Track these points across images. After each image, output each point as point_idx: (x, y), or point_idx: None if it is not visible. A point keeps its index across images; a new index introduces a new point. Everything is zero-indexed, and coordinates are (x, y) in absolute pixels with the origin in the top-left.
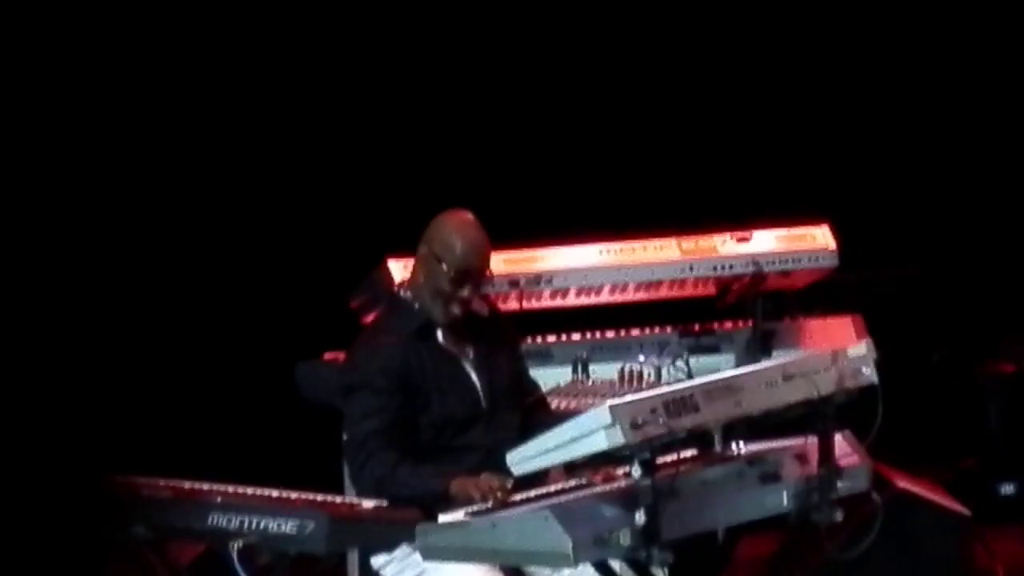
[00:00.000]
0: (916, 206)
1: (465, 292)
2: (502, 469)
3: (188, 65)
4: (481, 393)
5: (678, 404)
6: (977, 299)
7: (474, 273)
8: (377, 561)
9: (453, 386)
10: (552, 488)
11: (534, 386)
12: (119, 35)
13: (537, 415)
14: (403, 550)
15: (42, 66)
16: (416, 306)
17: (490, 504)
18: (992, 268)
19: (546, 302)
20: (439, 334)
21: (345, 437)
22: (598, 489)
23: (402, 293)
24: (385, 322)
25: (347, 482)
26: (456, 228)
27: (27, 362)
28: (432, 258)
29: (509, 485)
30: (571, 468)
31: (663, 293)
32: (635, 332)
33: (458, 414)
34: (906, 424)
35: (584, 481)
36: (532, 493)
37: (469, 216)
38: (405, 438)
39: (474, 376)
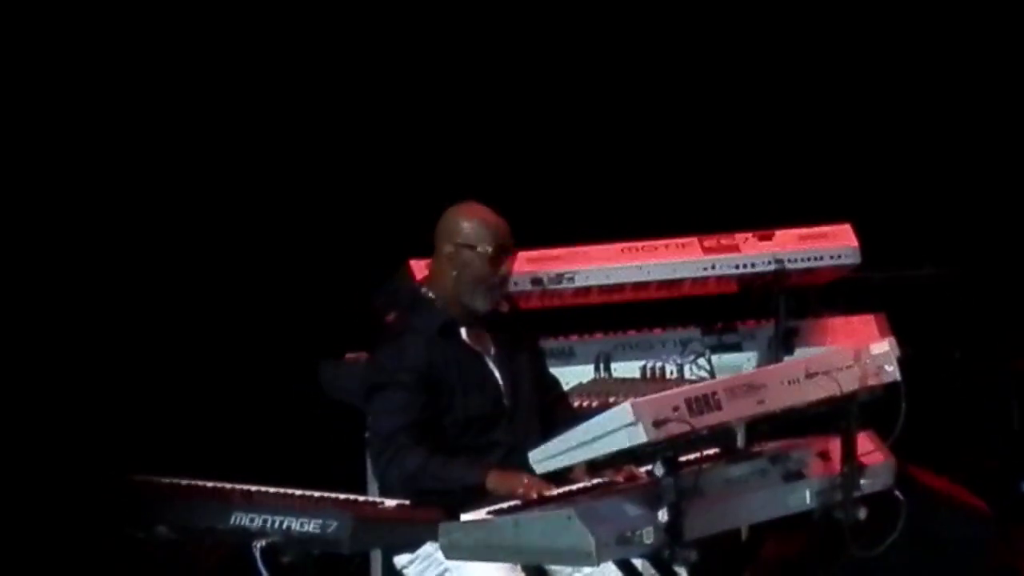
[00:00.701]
0: (939, 204)
1: (504, 270)
2: (524, 467)
3: (211, 66)
4: (504, 391)
5: (701, 402)
6: (999, 297)
7: (508, 248)
8: (400, 560)
9: (477, 384)
10: (575, 487)
11: (554, 383)
12: (147, 36)
13: (557, 412)
14: (426, 549)
15: (46, 66)
16: (438, 304)
17: (520, 502)
18: (1015, 266)
19: (568, 300)
20: (463, 332)
21: (369, 434)
22: (621, 488)
23: (424, 292)
24: (408, 321)
25: (370, 481)
26: (474, 213)
27: (51, 364)
28: (462, 250)
29: (551, 490)
30: (593, 467)
31: (685, 291)
32: (657, 330)
33: (482, 412)
34: (928, 422)
35: (607, 480)
36: (555, 492)
37: (478, 203)
38: (430, 436)
39: (497, 374)
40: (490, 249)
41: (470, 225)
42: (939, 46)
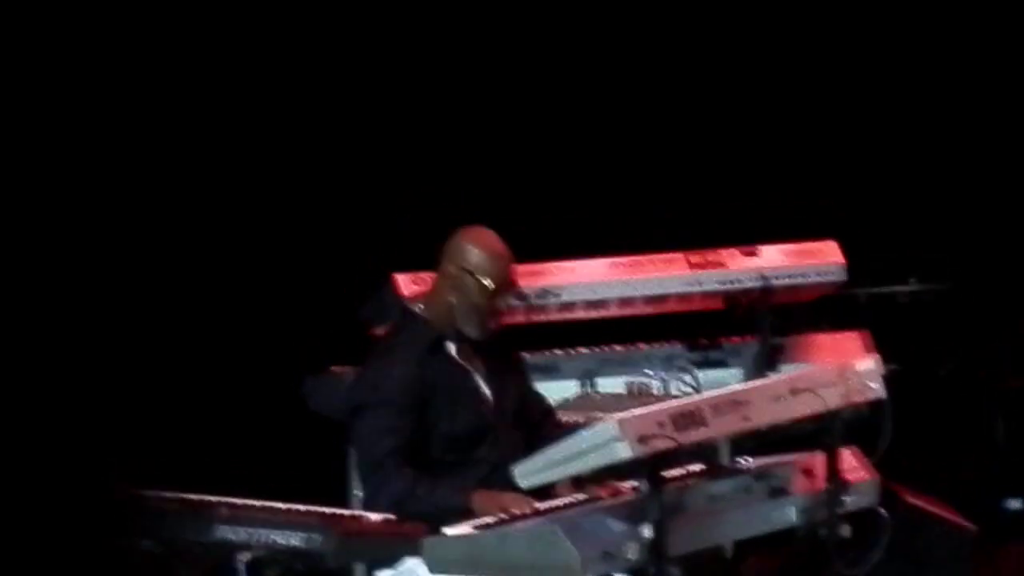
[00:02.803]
0: (925, 221)
1: (502, 305)
2: (508, 485)
3: (192, 78)
4: (491, 406)
5: (686, 418)
6: (984, 314)
7: (510, 284)
8: (381, 575)
9: (464, 401)
10: (560, 502)
11: (541, 399)
12: (119, 39)
13: (545, 428)
14: (408, 564)
15: (42, 66)
16: (430, 321)
17: (504, 517)
18: (999, 283)
19: (554, 316)
20: (452, 348)
21: (358, 456)
22: (606, 503)
23: (415, 308)
24: (397, 338)
25: (353, 496)
26: (487, 244)
27: (36, 376)
28: (466, 275)
29: (531, 508)
30: (578, 482)
31: (671, 307)
32: (643, 346)
33: (468, 429)
34: (913, 439)
35: (591, 495)
36: (540, 507)
37: (492, 232)
38: (417, 455)
39: (485, 390)
40: (493, 285)
41: (480, 254)
42: (924, 63)
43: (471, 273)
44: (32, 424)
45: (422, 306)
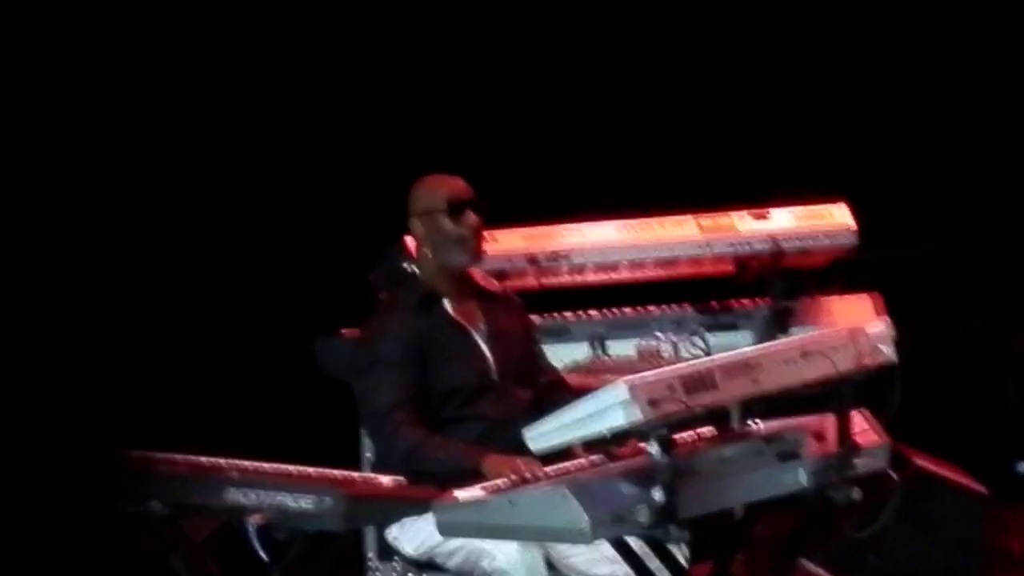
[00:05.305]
0: (935, 182)
1: (468, 220)
2: (510, 441)
3: (197, 39)
4: (492, 364)
5: (696, 381)
6: (995, 275)
7: (465, 199)
8: (390, 533)
9: (461, 356)
10: (570, 465)
11: (552, 368)
12: (120, 39)
13: (555, 394)
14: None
15: (42, 66)
16: (421, 278)
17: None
18: (1012, 243)
19: (564, 279)
20: (446, 304)
21: (365, 413)
22: (616, 466)
23: (408, 268)
24: (393, 298)
25: (364, 458)
26: (424, 181)
27: (44, 338)
28: (423, 218)
29: (542, 472)
30: (590, 445)
31: (681, 270)
32: (653, 309)
33: (465, 384)
34: (925, 401)
35: (611, 455)
36: (550, 469)
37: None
38: (424, 411)
39: (484, 347)
40: (444, 204)
41: (422, 192)
42: (934, 23)
43: (426, 213)
44: (41, 388)
45: (415, 268)
